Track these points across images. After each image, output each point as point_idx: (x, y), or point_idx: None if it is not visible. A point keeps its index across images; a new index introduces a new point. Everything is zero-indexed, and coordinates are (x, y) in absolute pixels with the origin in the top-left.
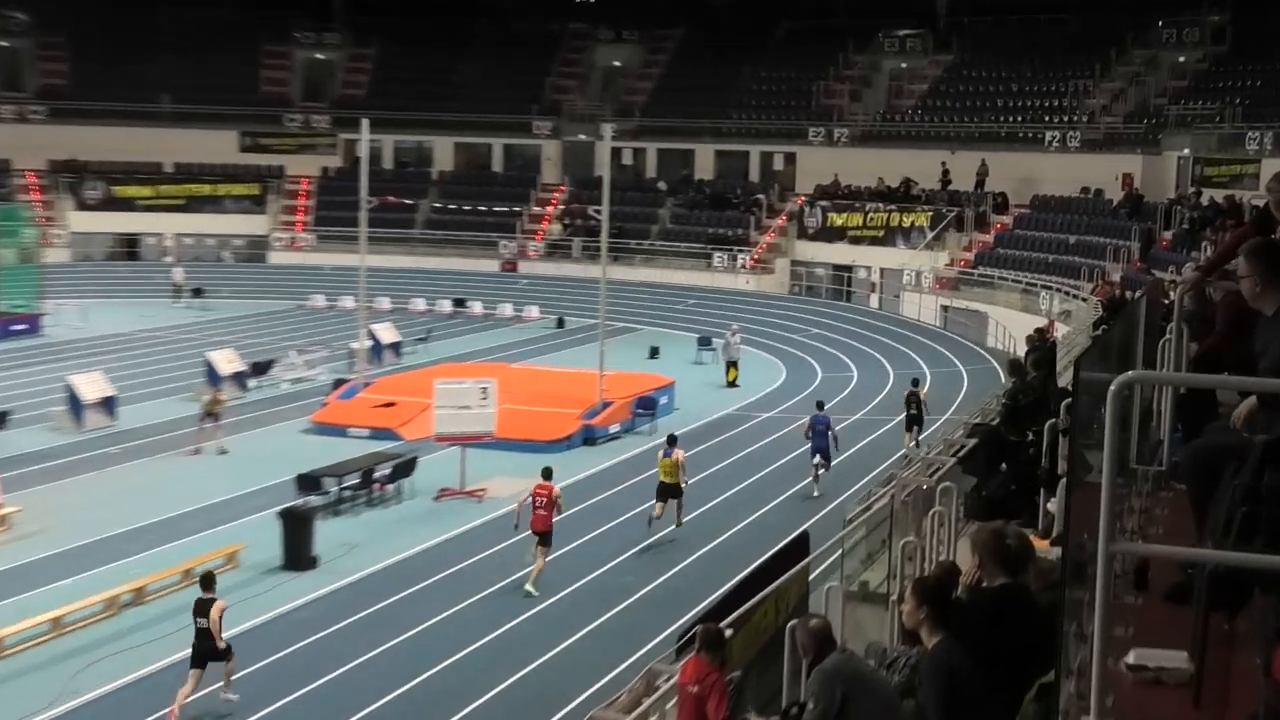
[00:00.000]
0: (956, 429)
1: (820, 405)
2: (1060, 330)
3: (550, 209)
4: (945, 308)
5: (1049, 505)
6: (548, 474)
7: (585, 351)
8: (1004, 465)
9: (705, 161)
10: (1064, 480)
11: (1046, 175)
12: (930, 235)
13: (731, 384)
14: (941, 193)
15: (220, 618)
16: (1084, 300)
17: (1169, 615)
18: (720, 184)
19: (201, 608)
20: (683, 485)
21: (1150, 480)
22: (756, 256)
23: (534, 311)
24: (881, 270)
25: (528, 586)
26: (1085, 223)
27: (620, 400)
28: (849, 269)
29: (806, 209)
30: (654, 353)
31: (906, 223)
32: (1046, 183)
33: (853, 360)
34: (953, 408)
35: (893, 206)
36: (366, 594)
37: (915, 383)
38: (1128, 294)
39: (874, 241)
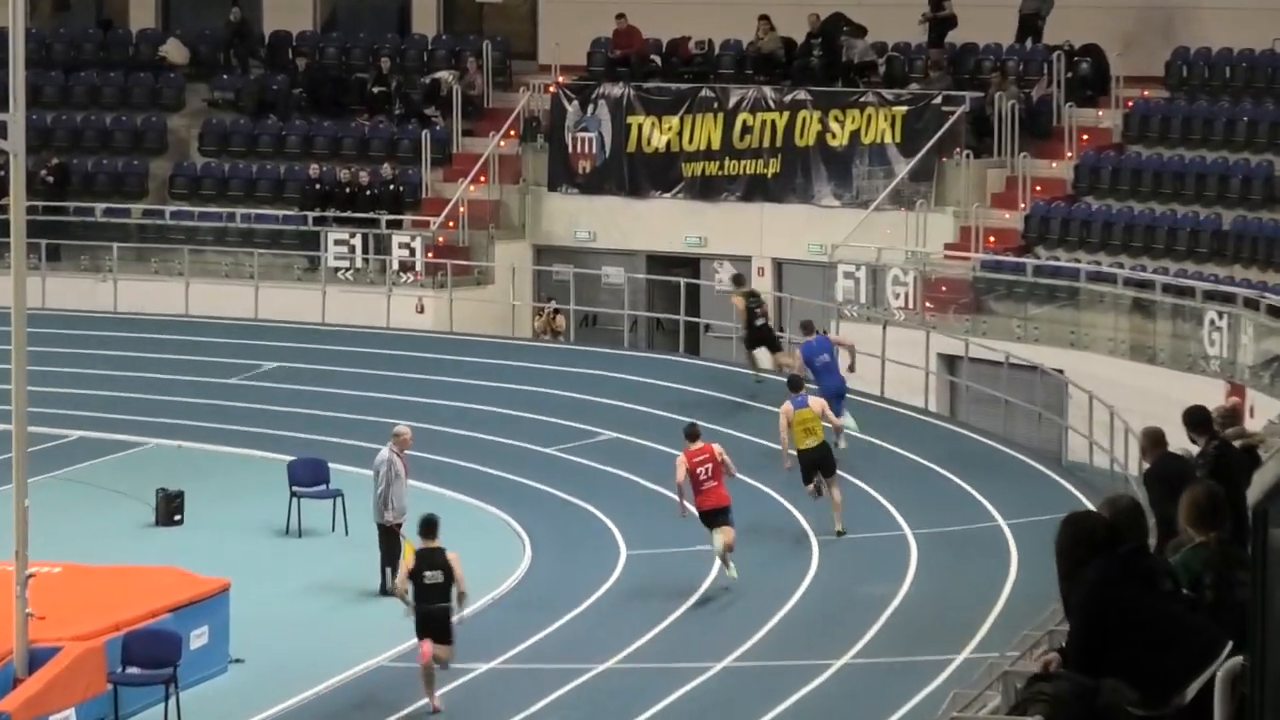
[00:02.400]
0: (961, 706)
1: (808, 327)
2: (1268, 415)
3: None
4: (951, 361)
5: None
6: (693, 433)
7: None
8: None
9: None
10: None
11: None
12: (906, 169)
13: (391, 588)
14: (936, 54)
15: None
16: None
17: None
18: (336, 48)
19: (432, 559)
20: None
21: None
22: (442, 241)
23: None
24: (779, 267)
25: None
26: None
27: (81, 641)
28: (692, 265)
29: (569, 106)
30: (171, 507)
31: (839, 137)
32: (1210, 19)
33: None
34: (973, 640)
35: (803, 94)
36: None
37: (738, 279)
38: None
39: (752, 191)
